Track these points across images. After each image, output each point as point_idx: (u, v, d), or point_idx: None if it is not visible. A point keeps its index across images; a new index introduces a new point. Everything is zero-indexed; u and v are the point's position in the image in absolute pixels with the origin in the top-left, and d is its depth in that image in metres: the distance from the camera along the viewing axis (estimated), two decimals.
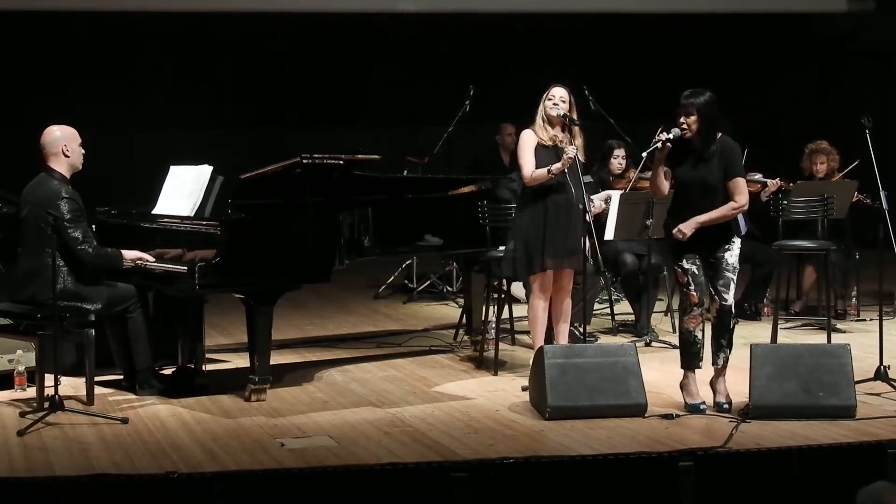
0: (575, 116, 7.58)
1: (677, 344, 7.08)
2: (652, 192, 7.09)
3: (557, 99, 7.54)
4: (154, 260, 7.27)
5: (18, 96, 12.98)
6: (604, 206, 8.81)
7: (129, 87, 13.40)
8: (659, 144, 6.75)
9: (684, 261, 6.78)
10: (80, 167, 7.20)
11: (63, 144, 7.13)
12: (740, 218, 9.53)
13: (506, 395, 7.36)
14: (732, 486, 6.07)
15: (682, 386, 6.98)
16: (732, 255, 6.82)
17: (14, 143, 9.83)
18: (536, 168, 7.47)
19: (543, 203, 7.52)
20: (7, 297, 7.21)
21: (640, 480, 6.00)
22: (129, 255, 7.20)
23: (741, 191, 6.79)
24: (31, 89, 13.03)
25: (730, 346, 6.90)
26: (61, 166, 7.13)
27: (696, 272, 6.79)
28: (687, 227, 6.72)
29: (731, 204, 6.75)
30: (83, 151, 7.21)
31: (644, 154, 6.89)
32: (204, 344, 7.75)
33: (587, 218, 7.40)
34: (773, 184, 9.56)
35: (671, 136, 6.73)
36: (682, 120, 6.74)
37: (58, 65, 13.31)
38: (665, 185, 6.86)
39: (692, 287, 6.79)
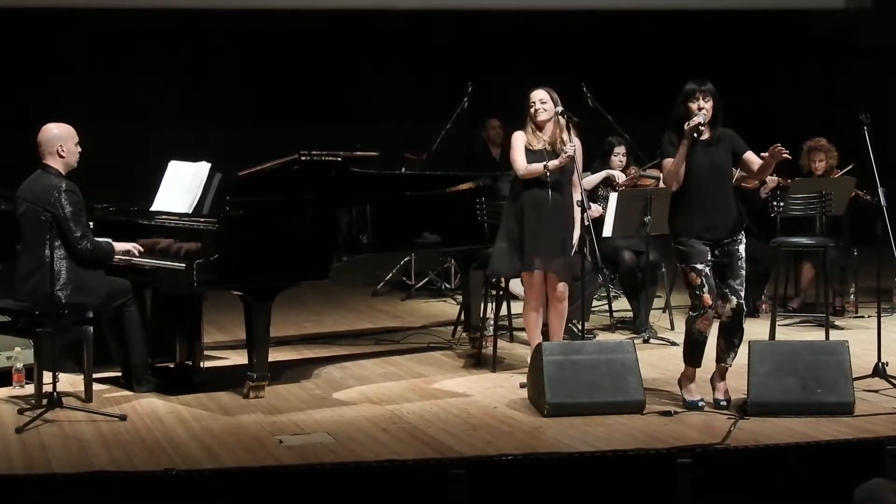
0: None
1: (676, 341, 7.09)
2: (670, 182, 6.81)
3: (538, 103, 7.53)
4: (143, 250, 7.28)
5: (18, 94, 12.97)
6: (601, 210, 8.81)
7: (127, 84, 13.39)
8: (699, 126, 6.67)
9: (698, 263, 6.76)
10: (76, 165, 7.19)
11: (59, 144, 7.12)
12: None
13: (504, 392, 7.36)
14: (730, 483, 6.07)
15: (681, 383, 6.98)
16: (744, 247, 6.83)
17: (13, 142, 9.82)
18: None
19: (532, 202, 7.50)
20: (9, 294, 7.21)
21: (639, 477, 6.00)
22: (120, 247, 7.21)
23: (757, 159, 6.82)
24: (31, 87, 13.02)
25: (740, 343, 6.90)
26: (57, 164, 7.12)
27: (710, 273, 6.78)
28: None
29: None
30: (79, 150, 7.20)
31: (686, 137, 6.67)
32: (202, 341, 7.76)
33: (585, 217, 7.40)
34: (772, 180, 9.56)
35: (701, 119, 6.69)
36: (701, 105, 6.71)
37: (57, 62, 13.31)
38: (682, 175, 6.79)
39: (706, 289, 6.76)
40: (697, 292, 6.76)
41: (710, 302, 6.77)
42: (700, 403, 6.86)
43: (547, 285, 7.67)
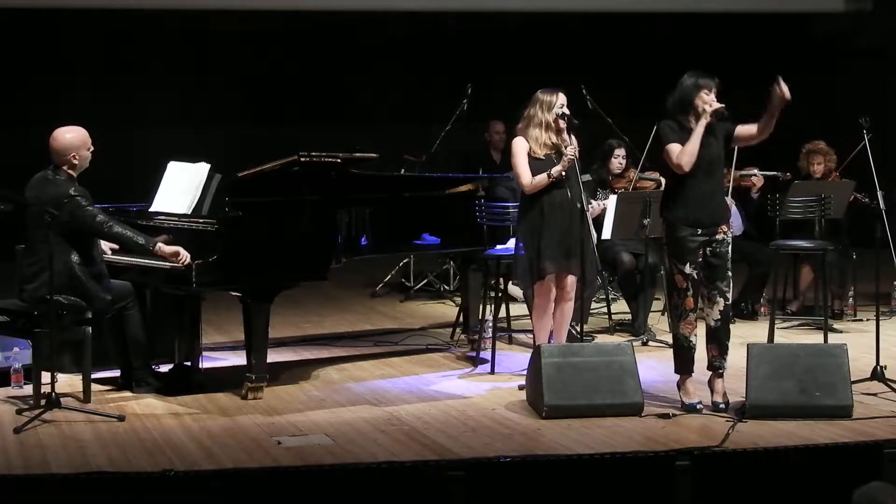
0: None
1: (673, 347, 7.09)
2: (686, 162, 6.72)
3: (566, 108, 7.48)
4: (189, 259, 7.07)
5: (18, 94, 12.97)
6: (603, 205, 8.81)
7: (128, 84, 13.38)
8: (723, 112, 6.80)
9: (687, 265, 6.77)
10: (87, 166, 7.18)
11: (72, 154, 7.07)
12: (736, 218, 9.59)
13: (503, 394, 7.36)
14: (729, 486, 6.07)
15: (679, 385, 6.98)
16: (730, 245, 6.87)
17: (13, 142, 9.84)
18: (534, 174, 7.41)
19: (541, 206, 7.45)
20: (10, 294, 7.21)
21: (637, 480, 6.00)
22: (167, 249, 7.02)
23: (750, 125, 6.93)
24: (31, 87, 13.02)
25: (729, 343, 6.92)
26: (68, 168, 7.10)
27: (696, 277, 6.80)
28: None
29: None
30: (91, 149, 7.18)
31: (711, 117, 6.75)
32: (201, 342, 7.75)
33: (586, 218, 7.39)
34: (758, 179, 9.63)
35: (723, 106, 6.81)
36: (712, 99, 6.81)
37: (57, 62, 13.30)
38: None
39: (690, 292, 6.79)
40: (682, 295, 6.79)
41: (693, 305, 6.80)
42: (698, 406, 6.86)
43: (558, 285, 7.61)
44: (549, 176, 7.36)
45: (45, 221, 6.83)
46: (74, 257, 6.98)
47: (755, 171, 9.69)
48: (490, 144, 11.33)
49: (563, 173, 7.38)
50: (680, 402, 6.93)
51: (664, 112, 6.95)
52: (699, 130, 6.74)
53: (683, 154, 6.76)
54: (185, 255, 7.01)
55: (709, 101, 6.78)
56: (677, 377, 7.00)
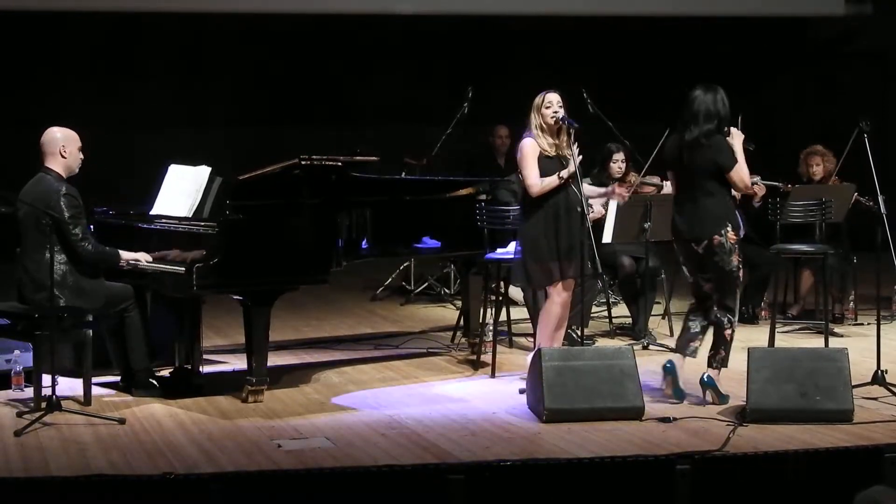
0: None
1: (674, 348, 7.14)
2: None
3: (556, 105, 7.47)
4: (151, 260, 7.27)
5: (18, 94, 12.99)
6: (602, 211, 8.80)
7: (128, 85, 13.40)
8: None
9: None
10: (77, 171, 7.18)
11: (61, 145, 7.12)
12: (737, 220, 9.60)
13: (503, 398, 7.35)
14: (729, 490, 6.07)
15: (715, 379, 7.08)
16: None
17: (13, 142, 9.83)
18: (545, 173, 7.39)
19: (553, 210, 7.44)
20: (9, 297, 7.22)
21: (637, 483, 6.00)
22: (127, 255, 7.21)
23: None
24: (31, 87, 13.03)
25: None
26: (57, 166, 7.12)
27: None
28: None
29: None
30: (81, 156, 7.20)
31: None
32: (201, 345, 7.75)
33: (586, 221, 7.39)
34: (760, 189, 9.62)
35: None
36: None
37: (57, 63, 13.32)
38: None
39: None
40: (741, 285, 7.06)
41: None
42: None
43: (563, 287, 7.61)
44: (559, 178, 7.35)
45: (38, 225, 6.84)
46: (68, 255, 6.99)
47: (757, 178, 9.67)
48: (494, 148, 11.32)
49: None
50: (716, 395, 7.03)
51: (674, 121, 7.01)
52: (742, 154, 6.99)
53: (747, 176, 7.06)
54: (141, 260, 7.22)
55: None
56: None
